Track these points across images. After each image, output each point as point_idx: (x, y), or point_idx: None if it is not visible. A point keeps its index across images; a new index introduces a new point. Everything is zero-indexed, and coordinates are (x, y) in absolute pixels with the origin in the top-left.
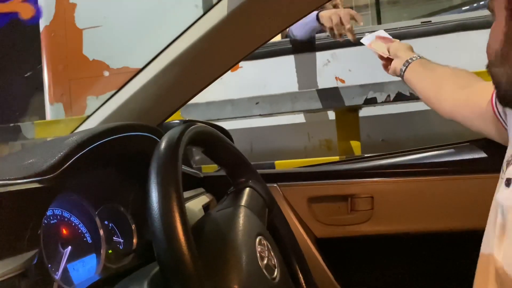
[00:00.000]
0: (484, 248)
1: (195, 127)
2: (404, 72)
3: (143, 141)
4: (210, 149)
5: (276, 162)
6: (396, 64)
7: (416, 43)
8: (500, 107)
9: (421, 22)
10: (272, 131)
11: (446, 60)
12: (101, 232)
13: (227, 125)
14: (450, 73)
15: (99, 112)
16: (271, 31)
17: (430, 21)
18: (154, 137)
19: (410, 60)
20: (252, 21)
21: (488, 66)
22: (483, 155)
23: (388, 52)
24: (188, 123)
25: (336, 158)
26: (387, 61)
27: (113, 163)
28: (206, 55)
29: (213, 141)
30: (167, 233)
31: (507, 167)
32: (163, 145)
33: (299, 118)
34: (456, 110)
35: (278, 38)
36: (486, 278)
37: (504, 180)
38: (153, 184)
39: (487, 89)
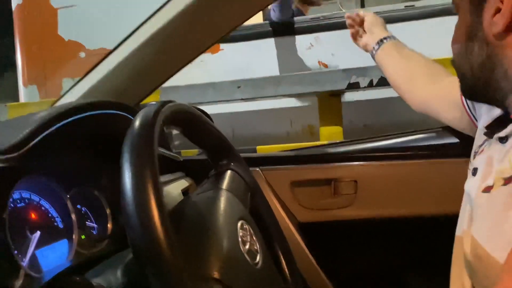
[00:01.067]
0: (458, 233)
1: (172, 105)
2: (376, 51)
3: (117, 120)
4: (189, 130)
5: (258, 147)
6: (368, 40)
7: (399, 27)
8: (469, 102)
9: (405, 6)
10: (254, 116)
11: (429, 45)
12: (73, 216)
13: (208, 109)
14: (423, 64)
15: (72, 92)
16: (247, 11)
17: (414, 5)
18: (129, 116)
19: (384, 40)
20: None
21: (453, 60)
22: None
23: (363, 22)
24: (164, 101)
25: (319, 143)
26: (356, 30)
27: (86, 143)
28: (180, 35)
29: (193, 120)
30: (140, 215)
31: (474, 157)
32: (137, 122)
33: (282, 103)
34: (426, 104)
35: (260, 20)
36: (461, 263)
37: (471, 169)
38: (126, 164)
39: (457, 84)
